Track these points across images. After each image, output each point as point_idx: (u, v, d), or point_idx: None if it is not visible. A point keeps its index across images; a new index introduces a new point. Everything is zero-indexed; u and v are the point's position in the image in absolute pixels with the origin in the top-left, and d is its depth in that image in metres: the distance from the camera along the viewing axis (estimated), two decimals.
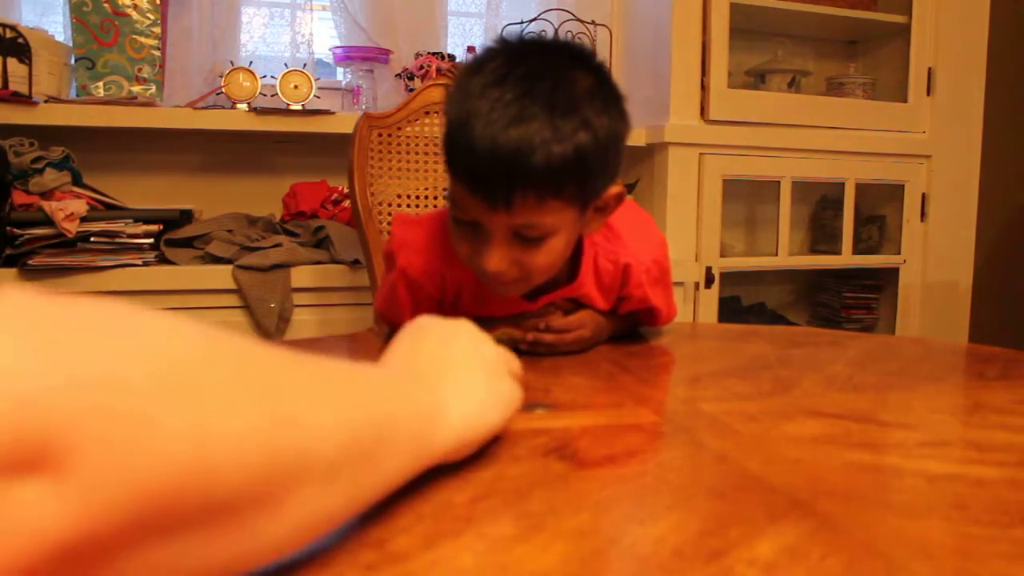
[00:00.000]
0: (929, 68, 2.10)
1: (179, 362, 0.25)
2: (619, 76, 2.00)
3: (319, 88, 1.78)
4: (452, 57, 1.94)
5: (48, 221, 1.42)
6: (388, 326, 0.89)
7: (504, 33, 0.72)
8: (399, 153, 1.35)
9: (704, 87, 1.91)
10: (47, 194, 1.48)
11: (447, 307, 0.83)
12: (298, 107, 1.73)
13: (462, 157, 0.66)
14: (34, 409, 0.20)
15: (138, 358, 0.23)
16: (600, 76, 0.70)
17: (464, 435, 0.41)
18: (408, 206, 1.35)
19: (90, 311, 0.24)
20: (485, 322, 0.81)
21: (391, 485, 0.35)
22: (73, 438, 0.20)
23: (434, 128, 1.37)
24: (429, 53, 1.90)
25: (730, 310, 2.12)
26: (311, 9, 1.98)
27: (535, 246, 0.69)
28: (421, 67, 1.85)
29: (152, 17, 1.70)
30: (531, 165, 0.63)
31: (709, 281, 1.93)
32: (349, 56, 1.92)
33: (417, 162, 1.36)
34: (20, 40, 1.55)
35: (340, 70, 2.00)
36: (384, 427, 0.35)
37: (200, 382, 0.25)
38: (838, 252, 2.11)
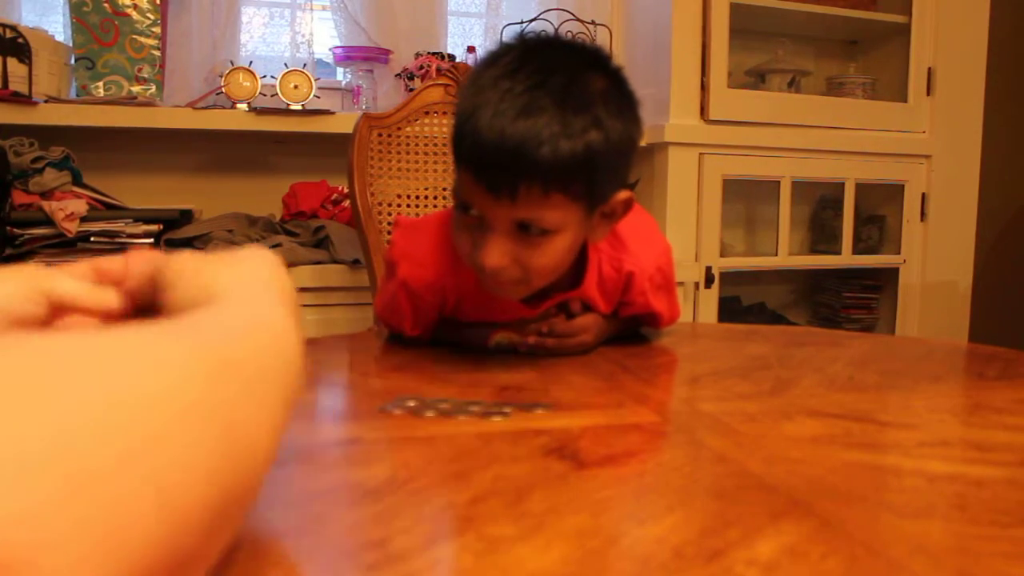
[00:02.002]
0: (929, 68, 2.10)
1: (135, 410, 0.22)
2: None
3: (319, 88, 1.78)
4: (452, 57, 1.94)
5: (48, 221, 1.42)
6: (390, 330, 0.89)
7: (523, 30, 0.72)
8: (399, 153, 1.35)
9: (704, 87, 1.91)
10: (47, 194, 1.48)
11: (448, 314, 0.83)
12: (298, 107, 1.73)
13: (469, 145, 0.65)
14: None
15: (92, 427, 0.21)
16: (617, 80, 0.69)
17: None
18: (408, 206, 1.35)
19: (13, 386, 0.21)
20: (485, 327, 0.82)
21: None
22: (38, 563, 0.18)
23: (434, 128, 1.37)
24: (429, 53, 1.90)
25: (730, 310, 2.12)
26: (311, 9, 1.98)
27: (537, 244, 0.68)
28: (421, 67, 1.85)
29: (152, 17, 1.70)
30: (538, 156, 0.63)
31: (709, 281, 1.93)
32: (349, 56, 1.92)
33: (417, 162, 1.36)
34: (20, 40, 1.55)
35: (340, 70, 2.00)
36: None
37: (159, 431, 0.23)
38: (838, 252, 2.11)
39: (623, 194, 0.72)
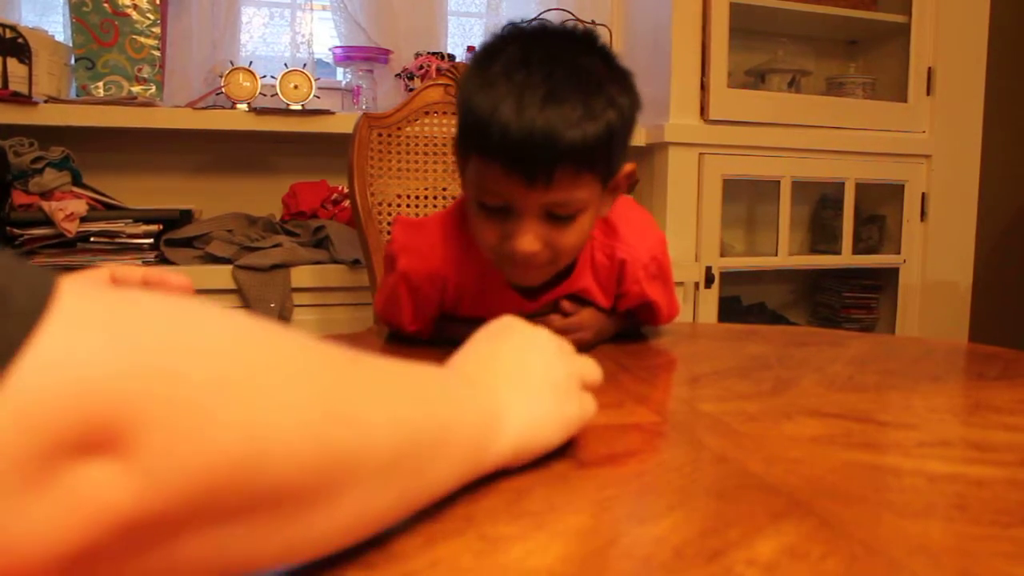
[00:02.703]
0: (929, 68, 2.10)
1: (238, 358, 0.26)
2: None
3: (319, 88, 1.78)
4: (452, 57, 1.94)
5: (48, 221, 1.42)
6: (389, 327, 0.89)
7: (512, 23, 0.73)
8: (399, 153, 1.35)
9: (704, 87, 1.91)
10: (47, 194, 1.48)
11: (447, 310, 0.83)
12: (298, 107, 1.73)
13: (498, 138, 0.66)
14: (102, 394, 0.21)
15: (199, 353, 0.25)
16: (609, 58, 0.72)
17: (519, 448, 0.41)
18: (408, 206, 1.35)
19: (156, 304, 0.25)
20: (484, 323, 0.82)
21: (443, 490, 0.36)
22: (136, 423, 0.22)
23: (434, 128, 1.37)
24: (429, 53, 1.90)
25: (730, 310, 2.12)
26: (311, 9, 1.98)
27: (566, 225, 0.71)
28: (421, 67, 1.85)
29: (152, 17, 1.70)
30: (569, 141, 0.65)
31: (709, 281, 1.93)
32: (349, 56, 1.92)
33: (417, 162, 1.36)
34: (20, 40, 1.55)
35: (340, 70, 2.00)
36: (440, 432, 0.35)
37: (257, 379, 0.26)
38: (838, 252, 2.11)
39: (628, 167, 0.75)
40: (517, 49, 0.68)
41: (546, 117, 0.64)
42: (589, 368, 0.48)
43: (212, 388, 0.24)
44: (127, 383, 0.22)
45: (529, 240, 0.70)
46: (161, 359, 0.23)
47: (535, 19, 1.94)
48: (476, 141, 0.69)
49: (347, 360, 0.32)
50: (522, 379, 0.43)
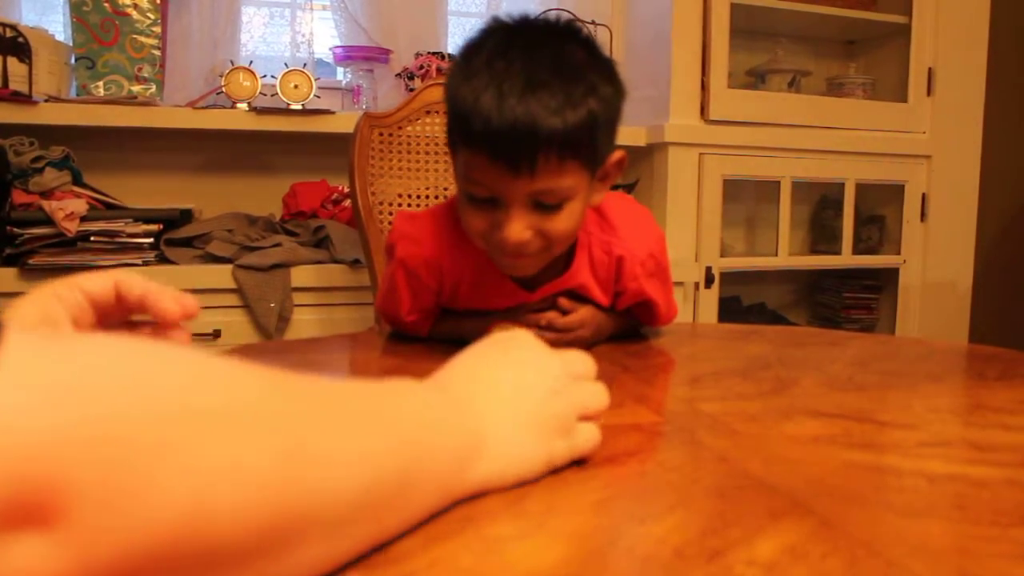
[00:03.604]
0: (929, 68, 2.10)
1: (185, 417, 0.24)
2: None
3: (319, 88, 1.78)
4: (452, 57, 1.94)
5: (48, 220, 1.42)
6: (388, 321, 0.89)
7: (496, 16, 0.74)
8: (399, 153, 1.35)
9: (704, 87, 1.91)
10: (47, 193, 1.48)
11: (445, 299, 0.83)
12: (298, 107, 1.73)
13: (480, 128, 0.66)
14: (33, 461, 0.20)
15: (143, 415, 0.23)
16: (593, 48, 0.72)
17: (493, 477, 0.39)
18: (408, 206, 1.35)
19: (102, 358, 0.24)
20: (483, 317, 0.82)
21: (411, 523, 0.34)
22: (69, 492, 0.20)
23: (435, 128, 1.37)
24: (429, 53, 1.90)
25: (730, 310, 2.12)
26: (311, 9, 1.98)
27: (554, 212, 0.71)
28: (421, 67, 1.85)
29: (152, 17, 1.70)
30: (549, 128, 0.65)
31: (709, 281, 1.93)
32: (349, 56, 1.92)
33: (417, 162, 1.36)
34: (20, 39, 1.55)
35: (340, 70, 2.00)
36: (410, 468, 0.33)
37: (205, 438, 0.24)
38: (838, 252, 2.11)
39: (616, 155, 0.76)
40: (498, 40, 0.69)
41: (526, 105, 0.65)
42: (594, 396, 0.44)
43: (154, 452, 0.23)
44: (61, 450, 0.21)
45: (518, 229, 0.70)
46: (100, 423, 0.22)
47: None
48: (461, 133, 0.69)
49: (309, 396, 0.30)
50: (513, 408, 0.41)
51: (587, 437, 0.44)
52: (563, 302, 0.81)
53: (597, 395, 0.45)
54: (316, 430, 0.29)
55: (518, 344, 0.45)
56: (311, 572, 0.29)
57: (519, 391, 0.42)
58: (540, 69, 0.66)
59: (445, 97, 0.72)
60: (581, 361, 0.46)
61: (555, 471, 0.43)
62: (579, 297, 0.83)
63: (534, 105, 0.65)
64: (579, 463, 0.44)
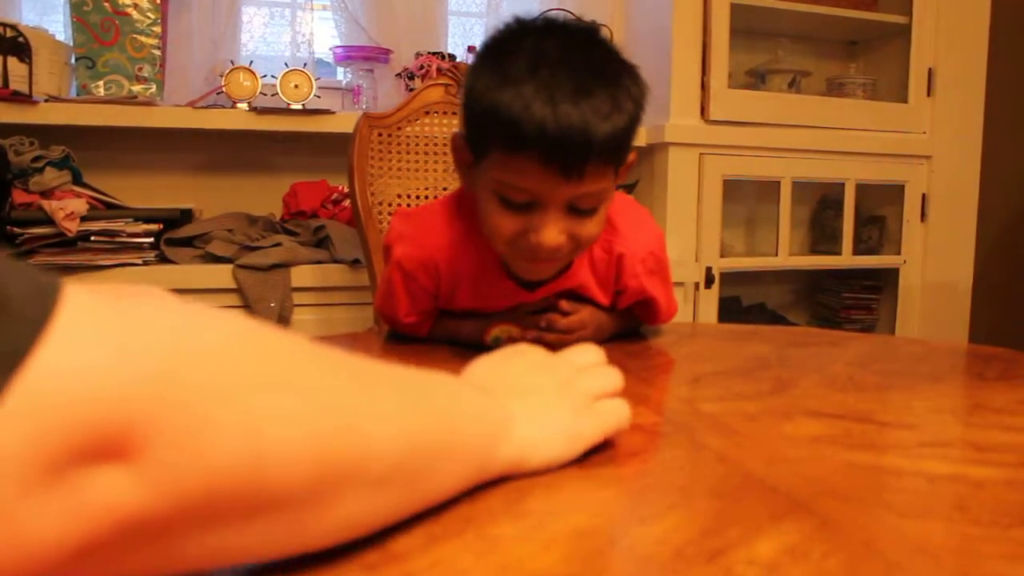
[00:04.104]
0: (929, 68, 2.10)
1: (242, 364, 0.27)
2: None
3: (319, 88, 1.78)
4: (452, 57, 1.94)
5: (48, 220, 1.42)
6: (387, 322, 0.89)
7: (513, 18, 0.73)
8: (399, 153, 1.35)
9: (704, 87, 1.91)
10: (47, 193, 1.48)
11: (443, 299, 0.83)
12: (298, 107, 1.73)
13: (534, 134, 0.65)
14: (109, 402, 0.22)
15: (203, 358, 0.26)
16: (616, 51, 0.73)
17: (522, 458, 0.41)
18: (408, 206, 1.35)
19: (160, 309, 0.26)
20: (483, 317, 0.82)
21: (443, 496, 0.36)
22: (142, 430, 0.23)
23: (434, 128, 1.37)
24: (429, 53, 1.89)
25: (730, 310, 2.12)
26: (311, 9, 1.98)
27: (588, 216, 0.71)
28: (421, 67, 1.85)
29: (152, 16, 1.70)
30: (603, 134, 0.66)
31: (709, 281, 1.93)
32: (349, 56, 1.92)
33: (417, 162, 1.36)
34: (20, 39, 1.55)
35: (340, 70, 2.00)
36: (445, 440, 0.36)
37: (260, 385, 0.27)
38: (838, 252, 2.11)
39: (631, 156, 0.76)
40: (532, 45, 0.68)
41: (580, 112, 0.65)
42: (606, 378, 0.48)
43: (215, 394, 0.25)
44: (133, 390, 0.23)
45: (553, 234, 0.70)
46: (165, 366, 0.24)
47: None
48: (504, 138, 0.68)
49: (353, 366, 0.33)
50: (532, 394, 0.44)
51: (612, 411, 0.46)
52: (564, 304, 0.81)
53: (609, 376, 0.48)
54: (359, 393, 0.32)
55: (521, 352, 0.48)
56: (346, 530, 0.31)
57: (535, 382, 0.45)
58: (584, 75, 0.66)
59: (470, 102, 0.71)
60: (586, 352, 0.49)
61: (554, 471, 0.43)
62: (579, 297, 0.82)
63: (587, 111, 0.65)
64: (579, 463, 0.44)
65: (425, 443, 0.34)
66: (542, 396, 0.44)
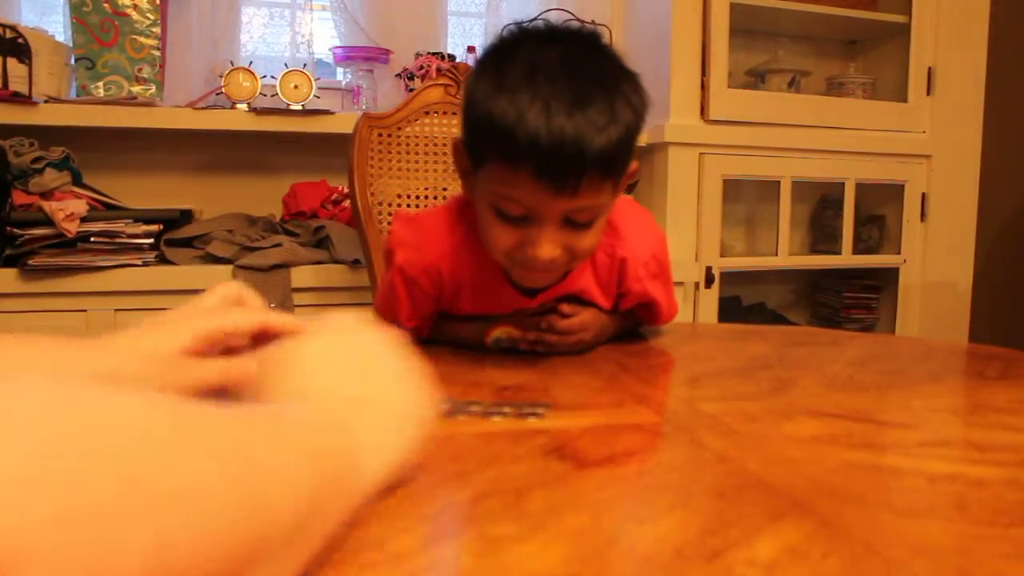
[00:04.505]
0: (929, 68, 2.10)
1: (136, 464, 0.23)
2: None
3: (319, 88, 1.78)
4: (452, 57, 1.94)
5: (48, 221, 1.42)
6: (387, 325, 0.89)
7: (513, 24, 0.72)
8: (399, 153, 1.35)
9: (704, 87, 1.91)
10: (47, 194, 1.48)
11: (445, 305, 0.83)
12: (298, 107, 1.73)
13: (527, 146, 0.64)
14: None
15: (95, 477, 0.22)
16: (617, 58, 0.72)
17: (385, 469, 0.37)
18: (408, 206, 1.35)
19: (43, 426, 0.22)
20: (485, 320, 0.82)
21: (329, 532, 0.32)
22: (28, 567, 0.19)
23: (434, 128, 1.37)
24: (429, 53, 1.90)
25: (730, 310, 2.12)
26: (311, 9, 1.98)
27: (584, 229, 0.70)
28: (421, 67, 1.85)
29: (152, 17, 1.70)
30: (598, 147, 0.64)
31: (709, 281, 1.93)
32: (349, 56, 1.92)
33: (417, 162, 1.36)
34: (20, 40, 1.55)
35: (340, 70, 2.00)
36: (323, 474, 0.32)
37: (156, 479, 0.23)
38: (838, 252, 2.11)
39: (633, 165, 0.75)
40: (531, 50, 0.67)
41: (575, 124, 0.63)
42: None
43: (119, 513, 0.22)
44: (11, 539, 0.19)
45: (549, 247, 0.68)
46: (52, 496, 0.20)
47: (536, 19, 1.95)
48: (498, 149, 0.66)
49: (221, 419, 0.28)
50: (365, 395, 0.40)
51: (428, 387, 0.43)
52: (564, 308, 0.80)
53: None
54: (251, 468, 0.27)
55: (332, 341, 0.47)
56: None
57: (366, 380, 0.42)
58: (582, 83, 0.65)
59: (468, 108, 0.70)
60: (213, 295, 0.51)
61: (554, 471, 0.43)
62: (581, 301, 0.82)
63: (582, 123, 0.63)
64: (579, 463, 0.44)
65: (313, 485, 0.31)
66: (373, 393, 0.40)
